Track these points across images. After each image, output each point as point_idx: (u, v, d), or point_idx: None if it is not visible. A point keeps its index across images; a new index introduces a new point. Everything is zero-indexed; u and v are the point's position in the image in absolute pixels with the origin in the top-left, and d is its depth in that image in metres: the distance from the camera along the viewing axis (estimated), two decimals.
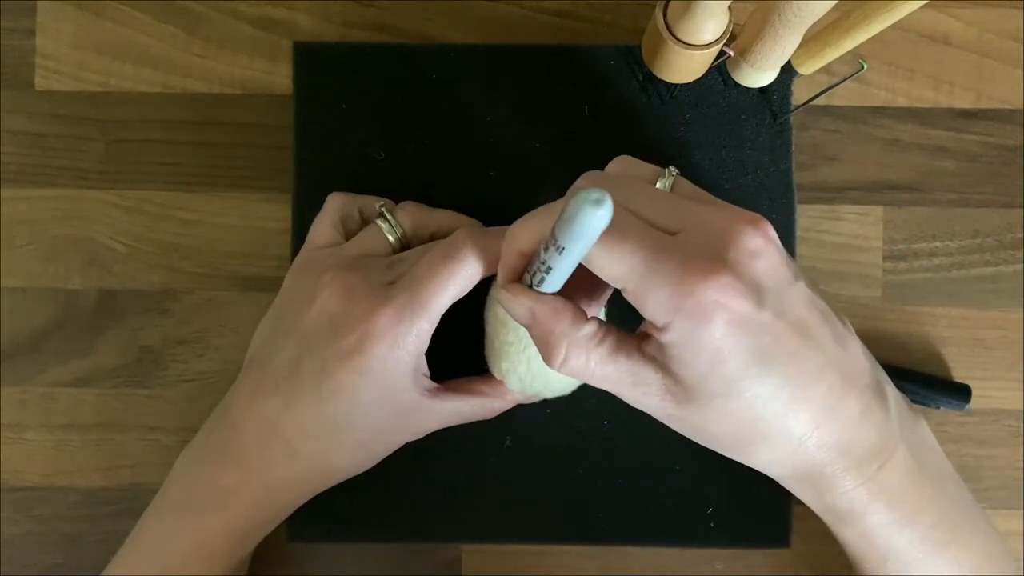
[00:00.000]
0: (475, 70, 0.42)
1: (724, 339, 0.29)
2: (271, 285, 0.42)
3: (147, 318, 0.43)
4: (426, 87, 0.42)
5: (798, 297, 0.30)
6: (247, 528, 0.37)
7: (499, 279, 0.33)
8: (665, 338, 0.29)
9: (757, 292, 0.29)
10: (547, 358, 0.32)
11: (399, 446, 0.38)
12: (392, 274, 0.36)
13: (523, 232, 0.31)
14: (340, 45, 0.43)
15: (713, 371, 0.29)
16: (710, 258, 0.29)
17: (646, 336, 0.31)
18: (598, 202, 0.23)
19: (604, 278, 0.30)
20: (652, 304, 0.29)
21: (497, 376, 0.38)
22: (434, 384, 0.37)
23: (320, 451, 0.36)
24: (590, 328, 0.31)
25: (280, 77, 0.43)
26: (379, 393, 0.35)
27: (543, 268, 0.29)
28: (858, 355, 0.32)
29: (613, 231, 0.29)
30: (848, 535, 0.34)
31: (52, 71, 0.43)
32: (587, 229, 0.25)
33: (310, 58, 0.42)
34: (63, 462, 0.43)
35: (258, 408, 0.36)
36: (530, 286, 0.31)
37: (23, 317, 0.43)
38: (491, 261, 0.34)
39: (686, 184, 0.33)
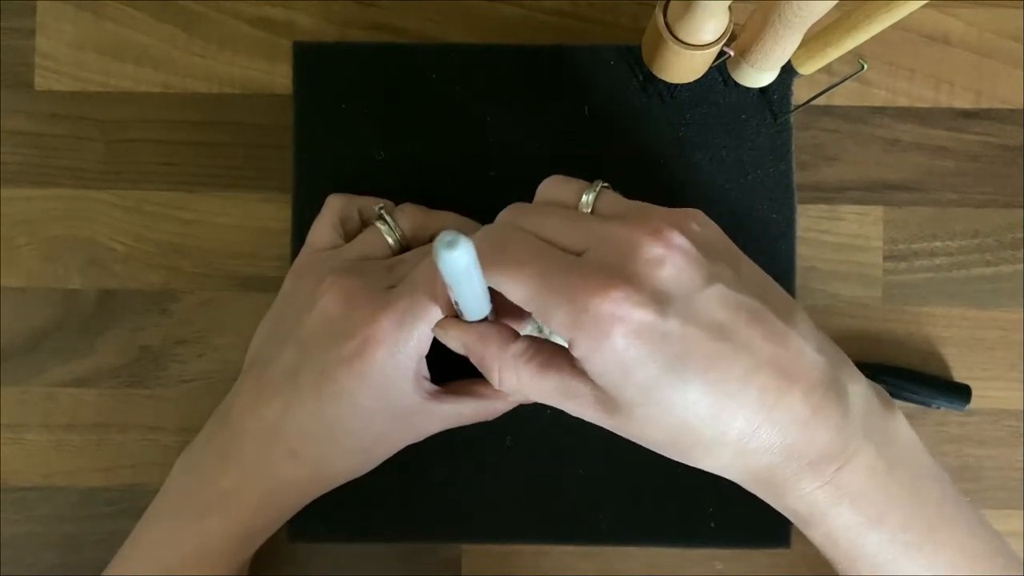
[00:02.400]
0: (475, 70, 0.42)
1: (627, 351, 0.29)
2: (271, 285, 0.42)
3: (147, 318, 0.43)
4: (426, 87, 0.42)
5: (713, 300, 0.30)
6: (248, 531, 0.37)
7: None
8: (575, 354, 0.30)
9: (660, 301, 0.29)
10: (492, 381, 0.32)
11: (400, 449, 0.38)
12: (392, 277, 0.36)
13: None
14: (340, 45, 0.43)
15: (626, 382, 0.29)
16: (607, 273, 0.29)
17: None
18: (451, 244, 0.25)
19: (513, 301, 0.31)
20: (555, 323, 0.30)
21: None
22: (434, 387, 0.37)
23: (321, 455, 0.36)
24: (518, 347, 0.32)
25: (280, 77, 0.43)
26: (380, 397, 0.35)
27: (453, 302, 0.31)
28: (804, 352, 0.31)
29: (512, 258, 0.30)
30: (814, 536, 0.33)
31: (52, 71, 0.43)
32: (451, 269, 0.26)
33: (310, 58, 0.42)
34: (63, 462, 0.43)
35: (259, 412, 0.35)
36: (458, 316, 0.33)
37: (23, 317, 0.43)
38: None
39: (611, 198, 0.34)
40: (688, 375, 0.29)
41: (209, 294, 0.43)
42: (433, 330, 0.34)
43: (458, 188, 0.42)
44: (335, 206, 0.40)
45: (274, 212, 0.43)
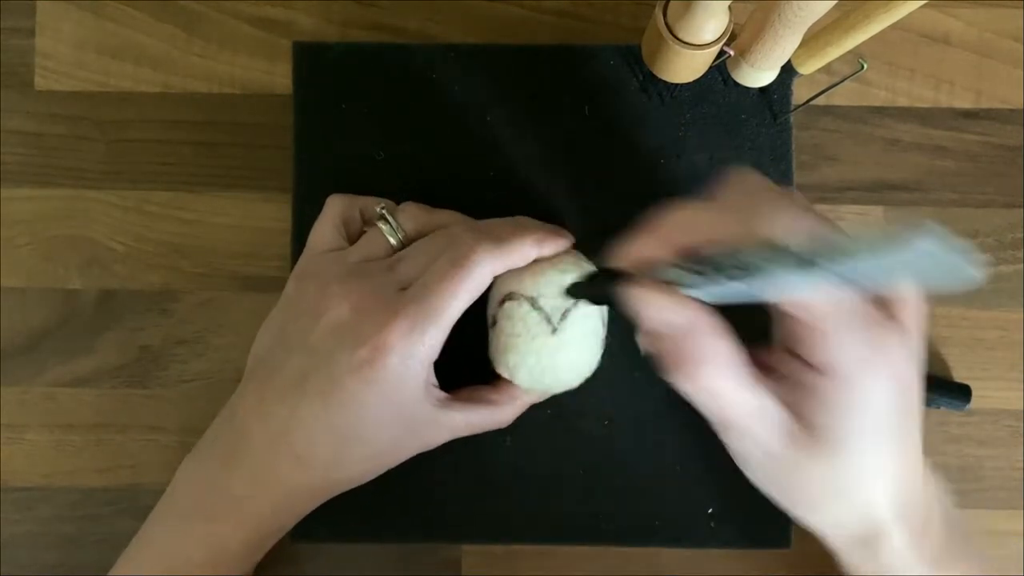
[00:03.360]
0: (475, 70, 0.42)
1: (887, 395, 0.29)
2: (271, 285, 0.42)
3: (147, 318, 0.43)
4: (426, 87, 0.42)
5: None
6: (259, 536, 0.37)
7: (622, 262, 0.31)
8: (826, 382, 0.29)
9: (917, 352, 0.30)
10: (680, 374, 0.30)
11: (407, 458, 0.37)
12: (396, 276, 0.36)
13: (700, 223, 0.29)
14: (340, 45, 0.43)
15: (857, 422, 0.30)
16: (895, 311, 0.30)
17: (773, 369, 0.31)
18: (961, 256, 0.19)
19: (797, 309, 0.28)
20: (837, 348, 0.29)
21: (504, 374, 0.38)
22: (444, 394, 0.37)
23: (329, 461, 0.36)
24: (732, 348, 0.30)
25: (280, 77, 0.43)
26: (390, 405, 0.34)
27: (730, 271, 0.26)
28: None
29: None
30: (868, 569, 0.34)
31: (52, 71, 0.43)
32: (932, 274, 0.21)
33: (310, 58, 0.42)
34: (63, 462, 0.43)
35: (267, 418, 0.35)
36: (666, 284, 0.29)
37: (23, 317, 0.43)
38: (497, 269, 0.35)
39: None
40: (904, 428, 0.30)
41: (209, 294, 0.43)
42: (632, 290, 0.30)
43: (458, 188, 0.42)
44: (336, 207, 0.39)
45: (274, 212, 0.43)
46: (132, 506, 0.42)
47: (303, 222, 0.41)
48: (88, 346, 0.43)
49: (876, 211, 0.43)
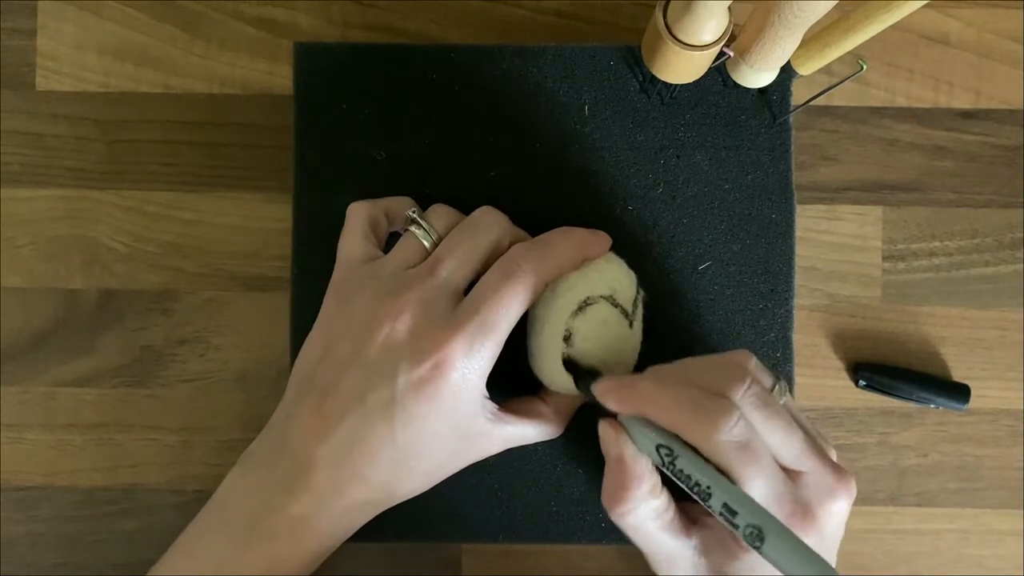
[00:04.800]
0: (475, 70, 0.42)
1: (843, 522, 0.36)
2: (271, 285, 0.42)
3: (147, 318, 0.43)
4: (426, 87, 0.42)
5: None
6: (317, 552, 0.36)
7: (611, 403, 0.35)
8: (739, 548, 0.34)
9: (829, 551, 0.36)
10: (607, 500, 0.35)
11: (461, 468, 0.38)
12: (436, 279, 0.35)
13: (660, 401, 0.34)
14: (340, 45, 0.43)
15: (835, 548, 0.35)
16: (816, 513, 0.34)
17: (699, 520, 0.37)
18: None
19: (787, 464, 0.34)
20: (822, 469, 0.35)
21: (544, 344, 0.37)
22: (496, 407, 0.37)
23: (391, 478, 0.36)
24: (661, 493, 0.35)
25: (280, 77, 0.43)
26: (449, 420, 0.35)
27: (685, 477, 0.33)
28: None
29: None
30: None
31: (53, 71, 0.43)
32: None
33: (310, 58, 0.42)
34: (63, 462, 0.43)
35: (328, 440, 0.35)
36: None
37: (23, 317, 0.43)
38: (549, 275, 0.36)
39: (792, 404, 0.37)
40: None
41: (209, 294, 0.43)
42: (601, 422, 0.35)
43: (458, 188, 0.42)
44: (361, 214, 0.39)
45: (274, 212, 0.43)
46: (132, 506, 0.42)
47: (303, 222, 0.41)
48: (88, 346, 0.43)
49: (875, 211, 0.43)
